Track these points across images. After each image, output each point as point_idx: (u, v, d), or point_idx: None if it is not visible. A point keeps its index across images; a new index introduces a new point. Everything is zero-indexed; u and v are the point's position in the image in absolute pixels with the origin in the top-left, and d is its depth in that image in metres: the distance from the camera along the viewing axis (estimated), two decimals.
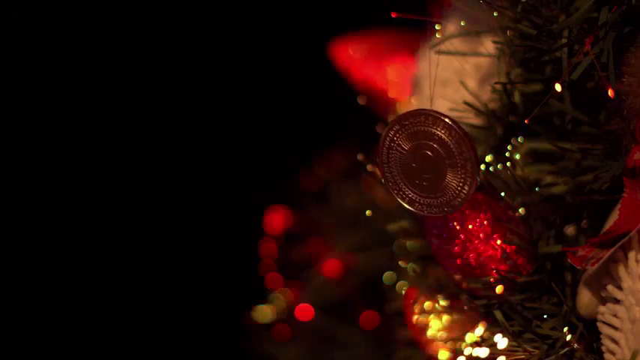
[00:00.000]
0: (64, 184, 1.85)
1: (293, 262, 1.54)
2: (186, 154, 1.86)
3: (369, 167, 1.13)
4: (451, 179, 0.96)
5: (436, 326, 1.12)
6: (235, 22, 1.84)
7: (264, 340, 1.52)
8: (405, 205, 0.98)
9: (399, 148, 0.97)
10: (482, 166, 1.03)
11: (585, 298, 1.00)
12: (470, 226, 1.03)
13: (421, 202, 0.98)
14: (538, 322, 1.00)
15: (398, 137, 0.97)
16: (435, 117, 0.95)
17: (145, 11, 1.83)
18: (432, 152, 0.96)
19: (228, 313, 1.71)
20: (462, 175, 0.95)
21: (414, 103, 1.26)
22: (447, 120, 0.94)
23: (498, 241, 1.03)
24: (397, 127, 0.96)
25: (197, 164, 1.86)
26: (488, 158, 1.05)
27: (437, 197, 0.97)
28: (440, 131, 0.95)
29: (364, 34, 1.47)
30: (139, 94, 1.86)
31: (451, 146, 0.95)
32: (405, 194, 0.98)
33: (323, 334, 1.49)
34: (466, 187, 0.95)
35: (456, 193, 0.96)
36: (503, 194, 1.03)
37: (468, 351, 1.02)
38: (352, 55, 1.46)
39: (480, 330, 1.03)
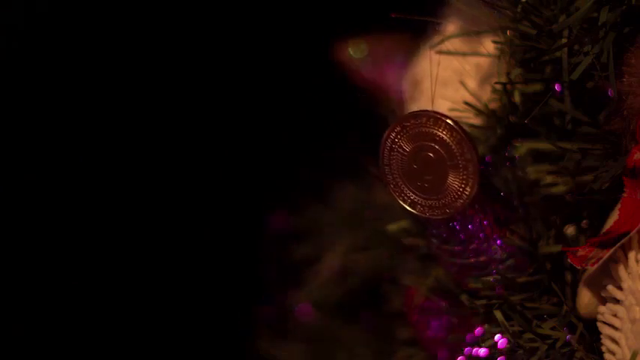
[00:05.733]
0: (63, 184, 1.85)
1: (293, 262, 1.54)
2: (187, 154, 1.86)
3: (370, 167, 1.13)
4: (453, 180, 0.96)
5: (436, 326, 1.12)
6: (236, 23, 1.84)
7: (264, 340, 1.52)
8: (407, 208, 0.98)
9: (400, 150, 0.97)
10: (483, 166, 1.03)
11: (585, 298, 1.00)
12: (470, 226, 1.03)
13: (423, 204, 0.97)
14: (538, 322, 1.00)
15: (399, 139, 0.97)
16: (436, 118, 0.95)
17: (145, 11, 1.83)
18: (433, 154, 0.96)
19: (227, 313, 1.71)
20: (464, 177, 0.95)
21: (413, 104, 1.26)
22: (448, 121, 0.94)
23: (498, 241, 1.03)
24: (398, 128, 0.96)
25: (197, 164, 1.86)
26: (488, 158, 1.05)
27: (438, 199, 0.97)
28: (441, 132, 0.95)
29: (365, 34, 1.47)
30: (140, 94, 1.86)
31: (453, 147, 0.95)
32: (406, 196, 0.98)
33: (323, 334, 1.49)
34: (468, 189, 0.95)
35: (458, 195, 0.96)
36: (503, 194, 1.03)
37: (468, 351, 1.02)
38: (353, 55, 1.46)
39: (479, 330, 1.03)
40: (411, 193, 0.98)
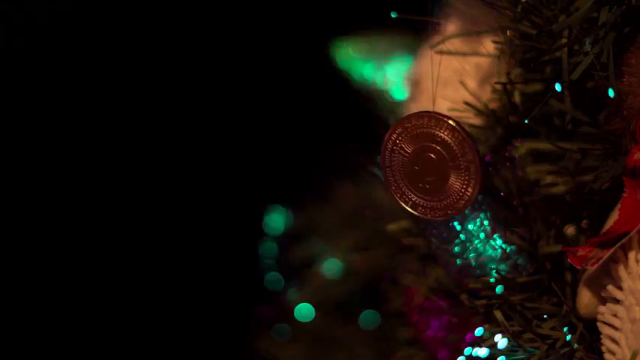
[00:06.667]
0: (63, 184, 1.85)
1: (293, 262, 1.54)
2: (187, 155, 1.86)
3: (370, 167, 1.13)
4: (454, 181, 0.95)
5: (436, 326, 1.12)
6: (236, 22, 1.84)
7: (264, 340, 1.52)
8: (409, 209, 0.98)
9: (401, 152, 0.97)
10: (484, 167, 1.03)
11: (585, 298, 1.00)
12: (470, 226, 1.03)
13: (424, 205, 0.97)
14: (538, 322, 1.00)
15: (400, 140, 0.96)
16: (437, 119, 0.94)
17: (145, 11, 1.83)
18: (434, 155, 0.95)
19: (227, 313, 1.71)
20: (466, 177, 0.95)
21: (414, 103, 1.26)
22: (450, 122, 0.94)
23: (498, 241, 1.03)
24: (400, 129, 0.96)
25: (197, 164, 1.86)
26: (488, 158, 1.05)
27: (440, 200, 0.96)
28: (443, 133, 0.95)
29: (365, 34, 1.47)
30: (140, 94, 1.86)
31: (454, 148, 0.95)
32: (408, 198, 0.98)
33: (323, 334, 1.49)
34: (470, 189, 0.95)
35: (460, 195, 0.96)
36: (503, 194, 1.03)
37: (468, 351, 1.02)
38: (353, 55, 1.46)
39: (479, 330, 1.03)
40: (412, 195, 0.98)
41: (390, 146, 0.97)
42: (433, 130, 0.95)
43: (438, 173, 0.96)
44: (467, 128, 0.97)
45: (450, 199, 0.96)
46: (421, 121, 0.95)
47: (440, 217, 0.97)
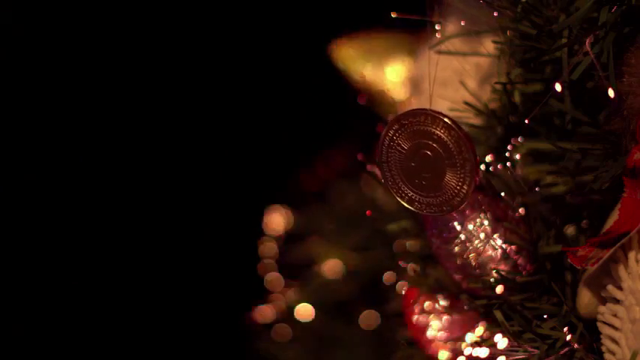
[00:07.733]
0: (63, 185, 1.85)
1: (293, 262, 1.54)
2: (187, 155, 1.86)
3: (369, 167, 1.13)
4: (450, 178, 0.96)
5: (436, 326, 1.12)
6: (236, 22, 1.84)
7: (264, 340, 1.52)
8: (405, 204, 0.98)
9: (398, 148, 0.97)
10: (482, 166, 1.03)
11: (585, 298, 1.00)
12: (470, 226, 1.03)
13: (420, 201, 0.98)
14: (538, 322, 1.00)
15: (397, 137, 0.97)
16: (434, 116, 0.95)
17: (145, 11, 1.83)
18: (431, 152, 0.96)
19: (228, 313, 1.71)
20: (461, 175, 0.95)
21: (413, 103, 1.26)
22: (446, 120, 0.95)
23: (498, 241, 1.03)
24: (396, 126, 0.97)
25: (197, 164, 1.86)
26: (488, 158, 1.05)
27: (436, 196, 0.97)
28: (439, 131, 0.95)
29: (364, 34, 1.47)
30: (140, 94, 1.86)
31: (450, 146, 0.95)
32: (404, 193, 0.98)
33: (323, 334, 1.49)
34: (465, 187, 0.95)
35: (455, 192, 0.96)
36: (503, 194, 1.03)
37: (467, 351, 1.02)
38: (352, 55, 1.46)
39: (479, 330, 1.03)
40: (408, 190, 0.98)
41: (387, 142, 0.97)
42: (429, 128, 0.95)
43: (434, 170, 0.96)
44: (467, 128, 0.97)
45: (446, 195, 0.96)
46: (417, 119, 0.95)
47: (436, 213, 0.98)
